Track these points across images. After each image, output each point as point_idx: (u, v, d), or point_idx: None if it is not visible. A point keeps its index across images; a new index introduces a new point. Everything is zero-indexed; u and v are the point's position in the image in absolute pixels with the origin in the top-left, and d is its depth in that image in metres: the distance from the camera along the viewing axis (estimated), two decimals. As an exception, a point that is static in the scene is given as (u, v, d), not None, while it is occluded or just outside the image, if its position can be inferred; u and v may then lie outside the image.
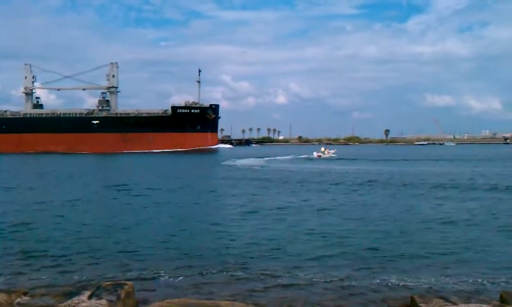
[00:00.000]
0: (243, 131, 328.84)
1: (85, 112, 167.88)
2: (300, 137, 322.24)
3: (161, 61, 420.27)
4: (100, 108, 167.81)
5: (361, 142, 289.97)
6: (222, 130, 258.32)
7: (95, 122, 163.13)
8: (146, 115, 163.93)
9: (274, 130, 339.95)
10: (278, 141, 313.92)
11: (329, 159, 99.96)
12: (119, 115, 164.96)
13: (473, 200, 33.47)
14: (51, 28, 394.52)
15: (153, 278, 15.12)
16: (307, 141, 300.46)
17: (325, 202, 32.89)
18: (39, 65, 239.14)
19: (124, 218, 27.09)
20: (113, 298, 10.72)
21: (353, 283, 14.48)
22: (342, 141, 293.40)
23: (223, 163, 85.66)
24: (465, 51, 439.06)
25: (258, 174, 60.90)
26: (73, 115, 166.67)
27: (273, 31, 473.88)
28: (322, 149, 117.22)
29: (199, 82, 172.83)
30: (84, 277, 15.01)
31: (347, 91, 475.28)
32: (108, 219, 26.74)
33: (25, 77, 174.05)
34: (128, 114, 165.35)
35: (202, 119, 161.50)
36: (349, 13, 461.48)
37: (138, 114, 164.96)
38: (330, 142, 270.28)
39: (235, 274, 15.55)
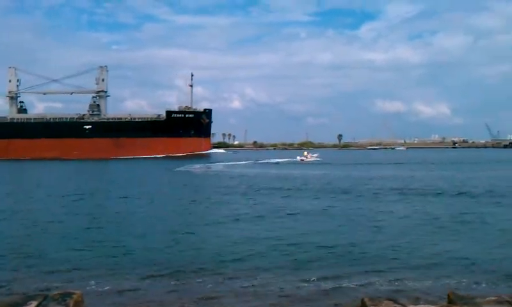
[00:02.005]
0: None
1: (76, 116, 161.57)
2: (255, 142, 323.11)
3: (114, 65, 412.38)
4: (91, 112, 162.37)
5: (315, 147, 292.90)
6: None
7: (87, 127, 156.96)
8: (140, 120, 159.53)
9: (230, 134, 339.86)
10: (233, 145, 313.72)
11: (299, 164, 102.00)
12: (111, 120, 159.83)
13: (422, 203, 34.32)
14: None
15: (103, 287, 14.79)
16: (262, 146, 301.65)
17: (277, 207, 33.10)
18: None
19: (71, 227, 26.44)
20: (61, 308, 10.39)
21: (304, 288, 14.57)
22: (296, 145, 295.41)
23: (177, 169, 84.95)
24: (415, 58, 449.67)
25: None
26: (64, 120, 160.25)
27: (228, 36, 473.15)
28: (305, 153, 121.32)
29: (191, 86, 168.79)
30: (31, 288, 14.57)
31: (302, 97, 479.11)
32: (55, 228, 26.01)
33: (10, 81, 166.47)
34: (121, 118, 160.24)
35: (196, 124, 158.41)
36: (303, 20, 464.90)
37: (131, 118, 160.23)
38: (285, 147, 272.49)
39: (184, 280, 15.40)
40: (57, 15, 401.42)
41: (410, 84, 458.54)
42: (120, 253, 19.60)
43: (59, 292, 11.82)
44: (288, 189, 45.45)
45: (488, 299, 9.58)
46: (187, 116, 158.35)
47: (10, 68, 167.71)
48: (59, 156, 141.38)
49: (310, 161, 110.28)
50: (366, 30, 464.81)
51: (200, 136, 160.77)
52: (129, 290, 14.47)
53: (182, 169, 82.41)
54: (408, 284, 14.77)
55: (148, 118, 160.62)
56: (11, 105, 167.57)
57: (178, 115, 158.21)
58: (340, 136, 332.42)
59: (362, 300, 10.12)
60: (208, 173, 77.19)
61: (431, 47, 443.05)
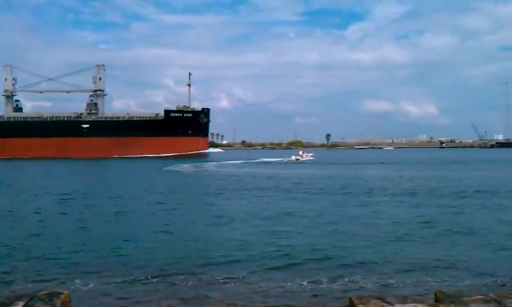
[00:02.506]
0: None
1: (73, 115, 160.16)
2: (244, 142, 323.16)
3: (102, 64, 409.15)
4: (88, 111, 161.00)
5: (303, 147, 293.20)
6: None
7: (85, 126, 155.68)
8: (138, 119, 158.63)
9: (218, 134, 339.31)
10: (221, 145, 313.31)
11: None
12: (109, 119, 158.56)
13: (410, 204, 34.50)
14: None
15: (90, 286, 14.71)
16: (250, 145, 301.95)
17: (261, 208, 33.15)
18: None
19: (59, 227, 26.26)
20: (49, 308, 10.32)
21: (291, 288, 14.59)
22: (285, 145, 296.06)
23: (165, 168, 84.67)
24: (403, 58, 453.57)
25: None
26: (61, 119, 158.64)
27: (216, 35, 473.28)
28: (300, 153, 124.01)
29: (189, 85, 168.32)
30: (18, 287, 14.46)
31: (290, 96, 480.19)
32: (37, 228, 25.76)
33: (5, 79, 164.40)
34: (119, 117, 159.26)
35: (194, 123, 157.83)
36: (291, 20, 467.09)
37: (129, 117, 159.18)
38: (274, 147, 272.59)
39: (172, 281, 15.37)
40: (43, 13, 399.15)
41: (397, 84, 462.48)
42: (107, 253, 19.48)
43: (47, 292, 11.73)
44: (277, 188, 45.51)
45: (474, 297, 9.66)
46: (185, 115, 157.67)
47: (6, 66, 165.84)
48: (57, 155, 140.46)
49: (305, 160, 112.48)
50: (353, 30, 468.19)
51: (197, 135, 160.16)
52: (117, 290, 14.40)
53: (171, 168, 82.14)
54: (396, 283, 14.86)
55: (146, 117, 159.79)
56: (6, 104, 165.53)
57: (176, 114, 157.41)
58: (328, 136, 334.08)
59: (350, 299, 10.16)
60: (201, 173, 76.90)
61: (418, 47, 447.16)
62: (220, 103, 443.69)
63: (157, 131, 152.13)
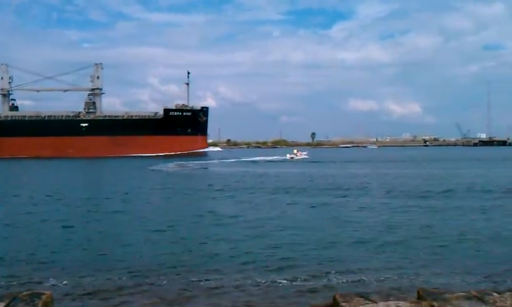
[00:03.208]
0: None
1: (72, 114, 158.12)
2: (229, 141, 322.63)
3: (86, 63, 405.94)
4: (87, 110, 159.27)
5: (288, 146, 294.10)
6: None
7: (84, 125, 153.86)
8: (137, 118, 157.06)
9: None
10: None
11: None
12: (107, 118, 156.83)
13: (392, 202, 34.77)
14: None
15: (73, 287, 14.61)
16: (236, 144, 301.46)
17: (251, 206, 33.26)
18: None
19: (41, 226, 26.09)
20: (30, 309, 10.22)
21: (275, 288, 14.62)
22: (270, 144, 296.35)
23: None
24: (387, 57, 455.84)
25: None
26: (59, 117, 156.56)
27: (202, 34, 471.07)
28: (295, 151, 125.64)
29: (187, 84, 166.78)
30: (-1, 288, 14.31)
31: (276, 95, 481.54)
32: (25, 228, 25.67)
33: (1, 78, 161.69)
34: (118, 116, 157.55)
35: (193, 122, 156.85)
36: (276, 19, 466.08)
37: (128, 116, 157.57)
38: (259, 146, 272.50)
39: (155, 281, 15.31)
40: (26, 12, 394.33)
41: (382, 83, 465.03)
42: (90, 254, 19.34)
43: (28, 293, 11.61)
44: (262, 188, 45.61)
45: (456, 294, 9.75)
46: (184, 114, 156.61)
47: (2, 64, 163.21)
48: (54, 155, 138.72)
49: (299, 159, 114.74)
50: (338, 29, 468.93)
51: (196, 134, 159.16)
52: (99, 291, 14.29)
53: (154, 168, 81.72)
54: (378, 280, 14.97)
55: (145, 116, 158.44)
56: (3, 103, 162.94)
57: (175, 113, 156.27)
58: (313, 134, 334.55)
59: (334, 298, 10.21)
60: (183, 172, 76.74)
61: (403, 46, 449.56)
62: (205, 102, 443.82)
63: (157, 130, 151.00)
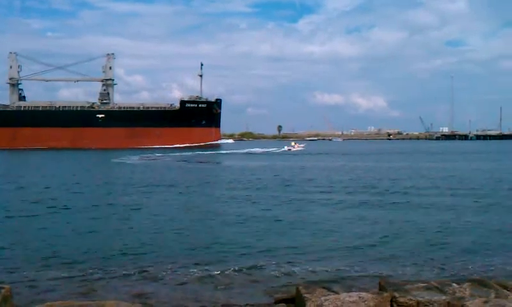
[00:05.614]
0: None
1: (87, 105, 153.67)
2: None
3: (50, 52, 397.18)
4: (101, 101, 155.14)
5: (255, 138, 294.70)
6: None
7: (100, 116, 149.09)
8: (153, 109, 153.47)
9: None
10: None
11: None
12: (123, 109, 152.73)
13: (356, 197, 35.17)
14: None
15: (33, 280, 14.27)
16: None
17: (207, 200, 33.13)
18: None
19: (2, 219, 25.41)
20: (-14, 303, 9.92)
21: (235, 277, 14.62)
22: (237, 136, 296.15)
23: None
24: (353, 51, 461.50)
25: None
26: (74, 108, 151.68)
27: (168, 25, 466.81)
28: (292, 143, 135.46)
29: (201, 76, 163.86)
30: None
31: (242, 87, 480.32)
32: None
33: (10, 67, 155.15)
34: (133, 108, 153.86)
35: (208, 113, 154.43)
36: (244, 11, 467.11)
37: (144, 108, 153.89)
38: (225, 138, 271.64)
39: (117, 275, 15.06)
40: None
41: (348, 77, 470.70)
42: (51, 247, 18.89)
43: (-16, 287, 11.28)
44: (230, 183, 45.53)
45: (417, 285, 9.89)
46: (199, 106, 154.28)
47: (11, 53, 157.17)
48: (69, 146, 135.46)
49: (297, 150, 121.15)
50: (304, 23, 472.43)
51: (211, 126, 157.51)
52: (60, 285, 13.97)
53: (117, 160, 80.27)
54: (340, 272, 15.08)
55: (161, 108, 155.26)
56: (12, 93, 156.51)
57: (191, 105, 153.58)
58: (279, 127, 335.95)
59: (297, 288, 10.22)
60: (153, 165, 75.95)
61: (368, 41, 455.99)
62: (171, 94, 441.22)
63: (172, 121, 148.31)
